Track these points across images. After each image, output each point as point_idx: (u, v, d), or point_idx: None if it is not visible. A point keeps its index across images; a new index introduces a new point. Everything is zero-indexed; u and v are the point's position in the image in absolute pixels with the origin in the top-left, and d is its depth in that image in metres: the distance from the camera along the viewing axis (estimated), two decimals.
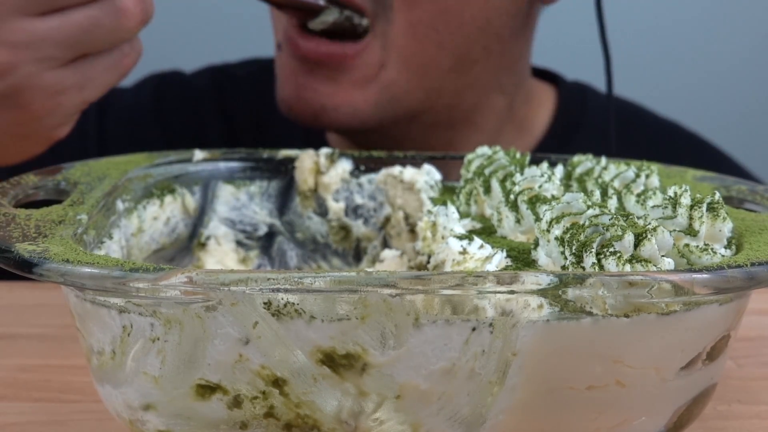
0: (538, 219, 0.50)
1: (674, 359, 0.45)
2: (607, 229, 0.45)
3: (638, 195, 0.52)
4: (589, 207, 0.47)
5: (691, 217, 0.48)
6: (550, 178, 0.55)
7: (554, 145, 0.93)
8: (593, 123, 0.97)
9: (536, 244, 0.48)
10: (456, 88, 0.85)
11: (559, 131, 0.95)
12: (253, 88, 0.99)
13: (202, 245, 0.65)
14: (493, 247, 0.50)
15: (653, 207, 0.49)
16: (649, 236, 0.44)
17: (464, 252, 0.50)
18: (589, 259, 0.44)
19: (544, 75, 1.00)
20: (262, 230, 0.67)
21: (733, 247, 0.49)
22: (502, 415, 0.44)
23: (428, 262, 0.55)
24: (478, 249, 0.50)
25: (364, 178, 0.67)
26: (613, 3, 1.07)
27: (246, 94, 0.99)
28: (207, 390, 0.44)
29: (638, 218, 0.46)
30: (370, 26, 0.78)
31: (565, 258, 0.46)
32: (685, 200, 0.48)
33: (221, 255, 0.65)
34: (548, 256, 0.47)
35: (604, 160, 0.61)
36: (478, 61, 0.84)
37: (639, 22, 1.01)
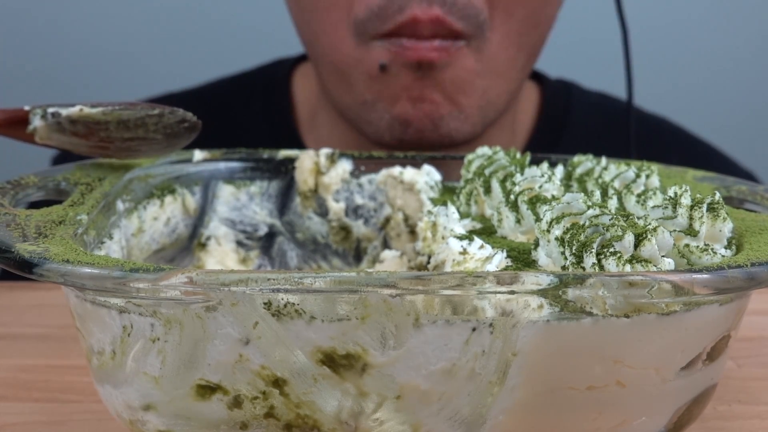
0: (538, 219, 0.50)
1: (674, 359, 0.45)
2: (608, 230, 0.45)
3: (638, 195, 0.52)
4: (589, 207, 0.47)
5: (691, 218, 0.48)
6: (550, 178, 0.56)
7: (541, 143, 0.94)
8: (579, 120, 0.97)
9: (536, 244, 0.48)
10: (521, 85, 0.88)
11: (544, 129, 0.96)
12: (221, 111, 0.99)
13: (203, 245, 0.65)
14: (493, 248, 0.50)
15: (653, 207, 0.49)
16: (649, 236, 0.44)
17: (464, 252, 0.50)
18: (590, 260, 0.44)
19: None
20: (263, 230, 0.67)
21: (734, 247, 0.49)
22: (503, 415, 0.44)
23: (428, 263, 0.55)
24: (479, 249, 0.50)
25: (364, 179, 0.67)
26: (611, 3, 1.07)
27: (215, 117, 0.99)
28: (207, 390, 0.44)
29: (638, 218, 0.46)
30: (465, 41, 0.80)
31: (565, 258, 0.46)
32: (686, 200, 0.48)
33: (221, 255, 0.65)
34: (548, 257, 0.47)
35: (604, 161, 0.61)
36: (536, 56, 0.87)
37: (636, 21, 1.01)
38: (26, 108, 0.56)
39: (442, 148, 0.84)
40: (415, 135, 0.82)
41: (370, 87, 0.82)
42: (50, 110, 0.55)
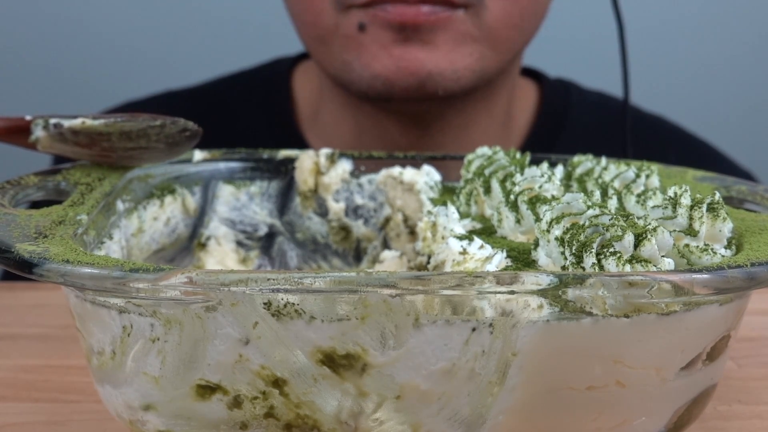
0: (538, 219, 0.50)
1: (674, 359, 0.45)
2: (607, 230, 0.45)
3: (638, 195, 0.52)
4: (589, 207, 0.47)
5: (691, 218, 0.48)
6: (550, 178, 0.56)
7: (539, 142, 0.94)
8: (577, 119, 0.98)
9: (536, 244, 0.48)
10: (514, 65, 0.89)
11: (542, 127, 0.96)
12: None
13: (203, 245, 0.65)
14: (493, 248, 0.50)
15: (653, 207, 0.49)
16: (649, 236, 0.44)
17: (464, 252, 0.50)
18: (589, 260, 0.44)
19: (526, 72, 1.01)
20: (263, 230, 0.67)
21: (733, 247, 0.49)
22: (502, 415, 0.44)
23: (428, 263, 0.55)
24: (478, 249, 0.50)
25: (364, 179, 0.67)
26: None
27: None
28: (207, 390, 0.44)
29: (638, 218, 0.46)
30: (462, 9, 0.81)
31: (565, 258, 0.46)
32: (685, 200, 0.48)
33: (221, 255, 0.65)
34: (548, 257, 0.47)
35: (604, 161, 0.61)
36: (527, 44, 0.89)
37: (633, 20, 1.01)
38: (28, 118, 0.56)
39: (428, 102, 0.85)
40: (400, 94, 0.83)
41: (347, 46, 0.83)
42: (52, 121, 0.55)
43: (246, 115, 1.00)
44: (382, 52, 0.81)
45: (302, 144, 0.95)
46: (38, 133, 0.56)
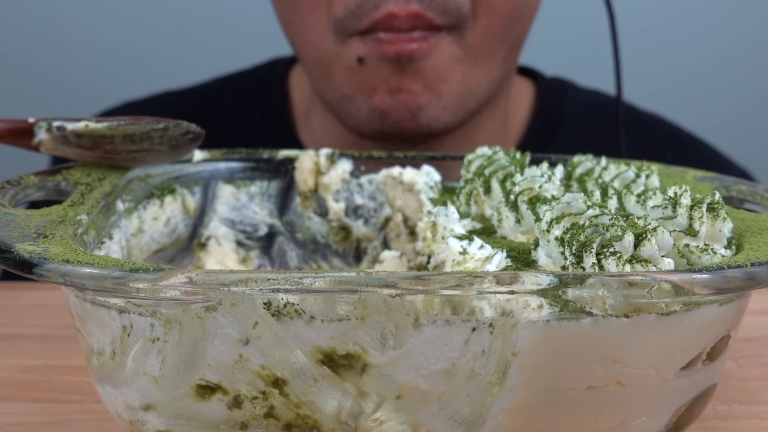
0: (538, 219, 0.50)
1: (674, 359, 0.45)
2: (607, 230, 0.45)
3: (638, 195, 0.52)
4: (589, 207, 0.47)
5: (691, 218, 0.48)
6: (550, 178, 0.56)
7: (535, 140, 0.94)
8: (573, 118, 0.98)
9: (536, 244, 0.48)
10: (503, 76, 0.89)
11: (538, 126, 0.96)
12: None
13: (203, 245, 0.65)
14: (493, 248, 0.50)
15: (653, 207, 0.49)
16: (649, 236, 0.44)
17: (464, 252, 0.50)
18: (589, 260, 0.44)
19: (522, 71, 1.01)
20: (263, 230, 0.67)
21: (733, 247, 0.49)
22: (502, 415, 0.44)
23: (428, 263, 0.55)
24: (478, 249, 0.50)
25: (364, 179, 0.67)
26: None
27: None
28: (207, 390, 0.44)
29: (638, 218, 0.46)
30: (446, 30, 0.81)
31: (565, 258, 0.46)
32: (685, 200, 0.48)
33: (221, 255, 0.65)
34: (548, 257, 0.47)
35: (604, 161, 0.61)
36: (518, 49, 0.88)
37: (631, 19, 1.02)
38: (31, 120, 0.56)
39: (421, 139, 0.85)
40: (393, 126, 0.83)
41: (348, 80, 0.83)
42: (55, 124, 0.56)
43: (243, 115, 1.00)
44: (381, 86, 0.82)
45: (298, 144, 0.95)
46: (41, 135, 0.56)
